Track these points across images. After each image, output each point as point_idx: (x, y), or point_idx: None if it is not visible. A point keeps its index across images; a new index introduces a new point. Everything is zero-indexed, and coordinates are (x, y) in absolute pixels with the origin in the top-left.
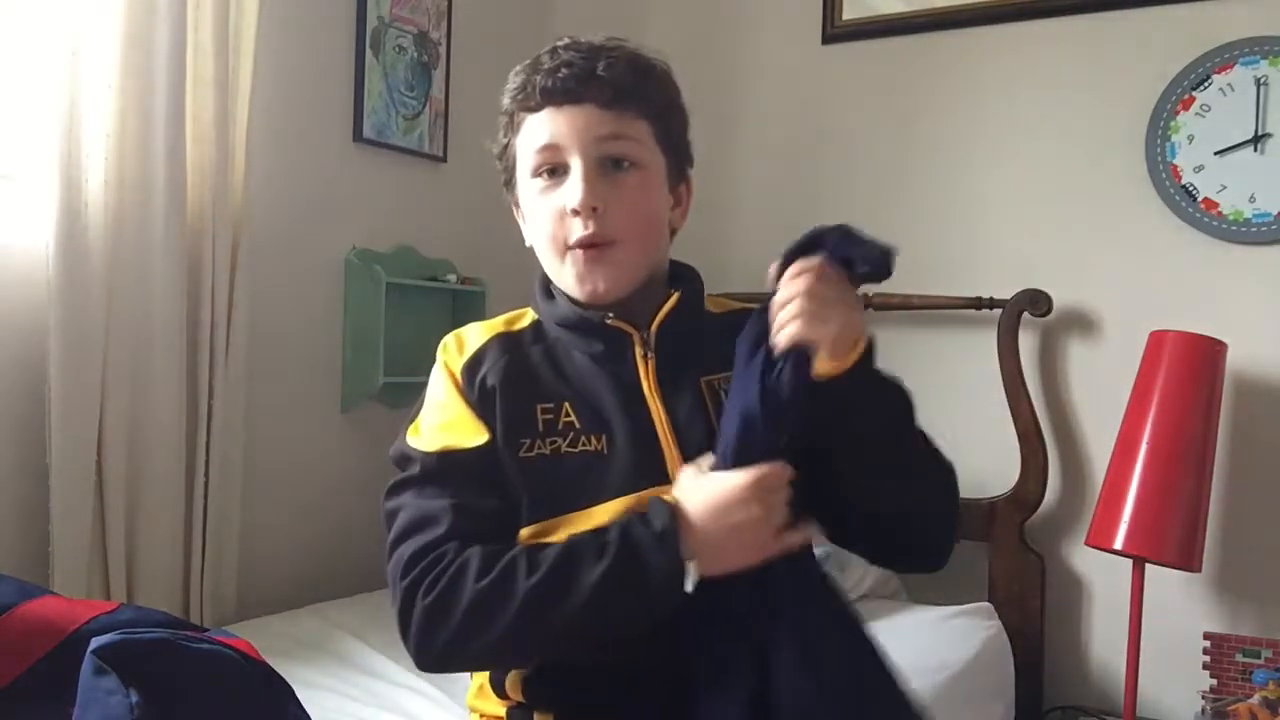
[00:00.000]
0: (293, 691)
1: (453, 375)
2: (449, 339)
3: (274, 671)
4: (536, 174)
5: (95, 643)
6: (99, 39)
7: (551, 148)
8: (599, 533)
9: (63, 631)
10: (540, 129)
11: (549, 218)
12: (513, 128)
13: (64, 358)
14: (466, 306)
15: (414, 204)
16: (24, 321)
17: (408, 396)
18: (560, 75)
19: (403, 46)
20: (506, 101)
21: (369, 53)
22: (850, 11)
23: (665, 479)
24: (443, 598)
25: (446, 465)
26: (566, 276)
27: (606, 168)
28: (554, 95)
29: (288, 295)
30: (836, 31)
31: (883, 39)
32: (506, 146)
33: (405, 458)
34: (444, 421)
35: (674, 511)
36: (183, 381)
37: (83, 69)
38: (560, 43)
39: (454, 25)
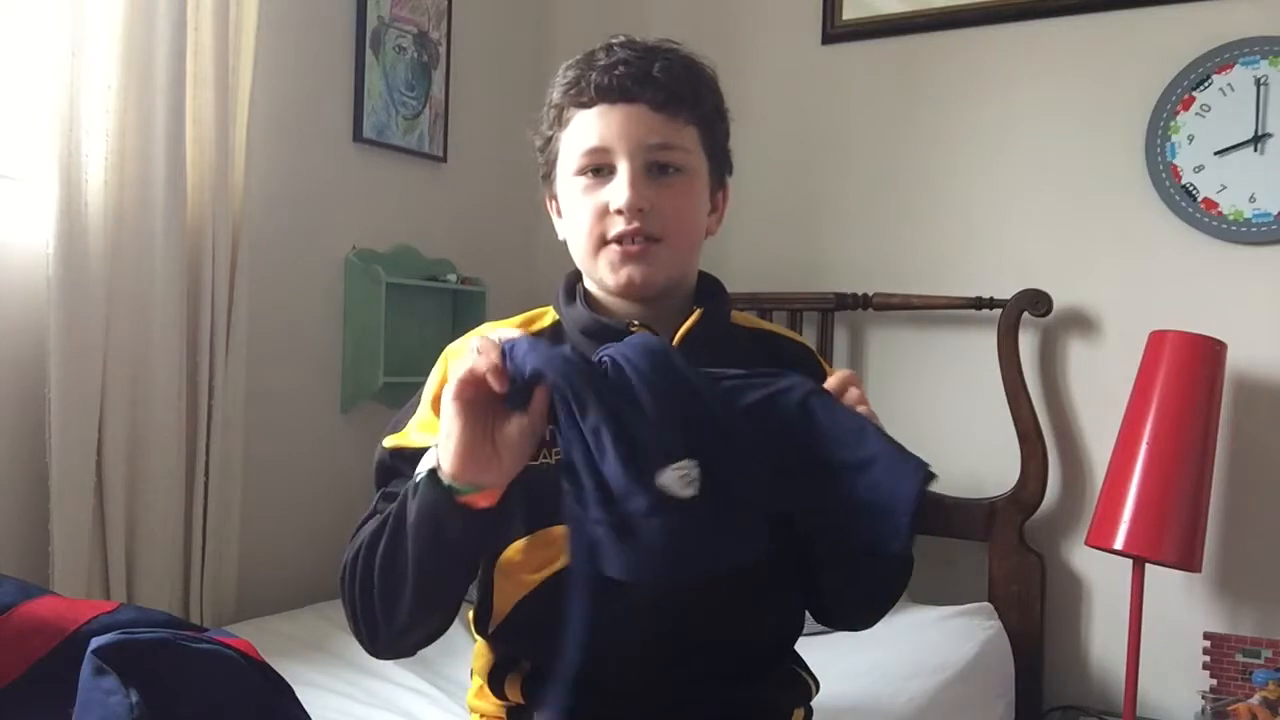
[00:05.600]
0: (293, 691)
1: (446, 376)
2: (459, 341)
3: (274, 671)
4: (581, 173)
5: (95, 643)
6: (99, 39)
7: (600, 150)
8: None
9: (63, 631)
10: (590, 128)
11: (590, 214)
12: (560, 122)
13: (64, 358)
14: (466, 306)
15: (414, 204)
16: (24, 321)
17: (408, 396)
18: (616, 73)
19: (403, 46)
20: (556, 95)
21: (369, 53)
22: (850, 11)
23: None
24: (344, 586)
25: (396, 462)
26: (602, 269)
27: (653, 172)
28: (608, 93)
29: (288, 295)
30: (836, 31)
31: (883, 39)
32: (550, 140)
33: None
34: (416, 420)
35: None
36: (183, 381)
37: (83, 69)
38: (615, 40)
39: (454, 25)
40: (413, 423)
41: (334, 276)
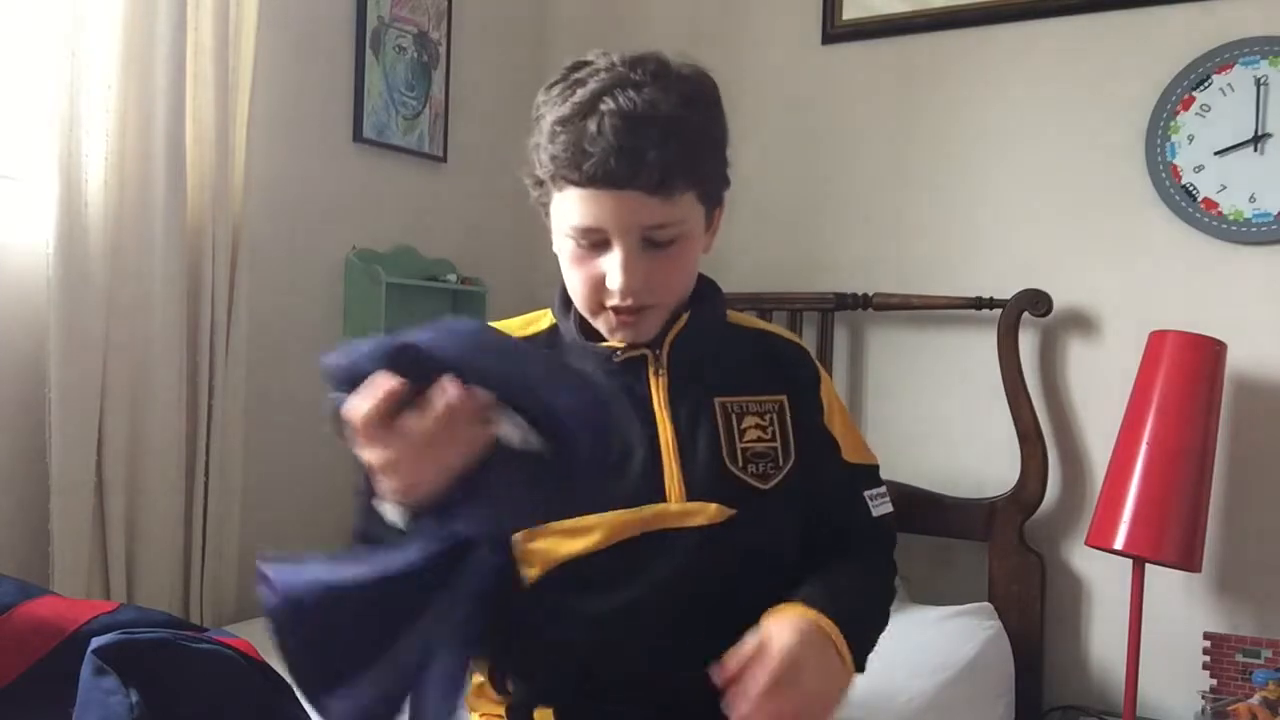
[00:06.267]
0: (293, 691)
1: None
2: None
3: (274, 671)
4: (572, 239)
5: (96, 643)
6: (99, 39)
7: (593, 230)
8: None
9: (63, 631)
10: (581, 207)
11: (584, 283)
12: (552, 180)
13: (64, 358)
14: (466, 306)
15: (414, 204)
16: (24, 321)
17: None
18: (608, 165)
19: (403, 46)
20: (546, 157)
21: (369, 53)
22: (850, 11)
23: (662, 497)
24: None
25: None
26: (600, 325)
27: (648, 246)
28: (598, 181)
29: (288, 295)
30: (836, 31)
31: (883, 39)
32: (543, 184)
33: None
34: None
35: None
36: (183, 381)
37: (83, 69)
38: (606, 105)
39: (454, 25)
40: None
41: (334, 276)
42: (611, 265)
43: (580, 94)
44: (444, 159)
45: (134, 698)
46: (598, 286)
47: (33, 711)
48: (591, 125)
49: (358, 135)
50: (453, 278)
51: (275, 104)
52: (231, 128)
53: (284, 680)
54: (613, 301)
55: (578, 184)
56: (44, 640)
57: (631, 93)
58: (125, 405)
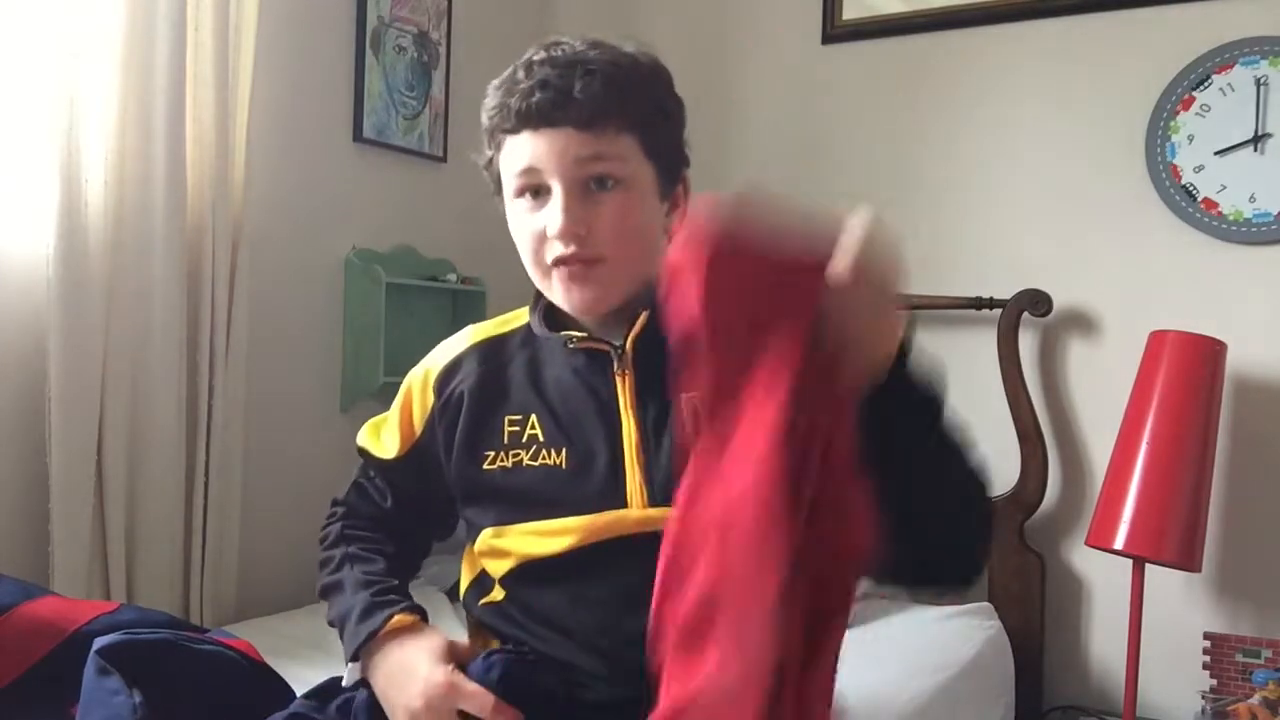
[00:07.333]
0: (293, 692)
1: (415, 383)
2: (436, 348)
3: (274, 672)
4: (519, 195)
5: (99, 643)
6: (99, 39)
7: (531, 171)
8: (359, 591)
9: (63, 632)
10: (519, 152)
11: (529, 239)
12: (494, 145)
13: (64, 358)
14: (466, 306)
15: (414, 204)
16: (24, 321)
17: None
18: (535, 100)
19: (403, 46)
20: (485, 119)
21: (369, 53)
22: (850, 11)
23: (623, 502)
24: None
25: (362, 459)
26: (555, 293)
27: (589, 189)
28: (530, 119)
29: (288, 295)
30: (836, 31)
31: (883, 39)
32: (491, 161)
33: None
34: (384, 420)
35: (373, 639)
36: (183, 381)
37: (83, 69)
38: (536, 56)
39: (454, 25)
40: (381, 419)
41: (334, 276)
42: (552, 209)
43: (518, 62)
44: (444, 159)
45: (137, 698)
46: (541, 239)
47: (33, 711)
48: (521, 73)
49: (358, 135)
50: (453, 278)
51: (275, 104)
52: (231, 128)
53: (284, 681)
54: (555, 252)
55: (512, 131)
56: (45, 640)
57: (565, 47)
58: (125, 405)
